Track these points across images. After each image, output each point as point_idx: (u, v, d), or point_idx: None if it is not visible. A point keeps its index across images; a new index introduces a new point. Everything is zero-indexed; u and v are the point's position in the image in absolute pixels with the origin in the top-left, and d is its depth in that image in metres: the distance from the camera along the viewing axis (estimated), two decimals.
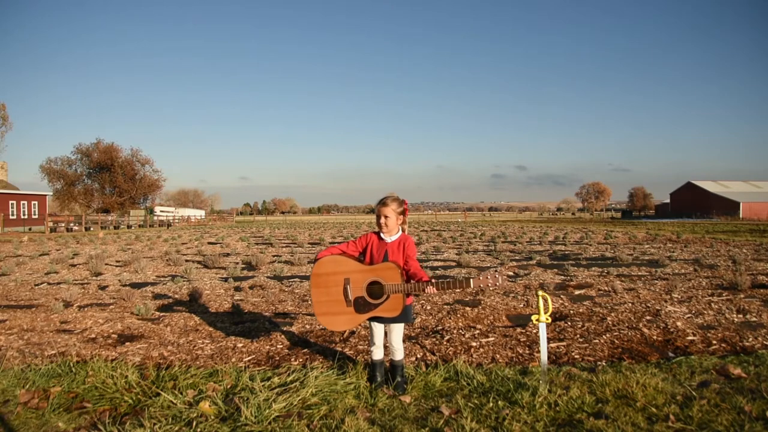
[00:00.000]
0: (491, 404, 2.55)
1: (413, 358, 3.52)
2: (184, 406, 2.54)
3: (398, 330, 2.96)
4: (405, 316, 2.88)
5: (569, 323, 4.34)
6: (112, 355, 3.61)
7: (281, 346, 3.85)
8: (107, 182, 54.53)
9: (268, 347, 3.82)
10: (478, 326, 4.36)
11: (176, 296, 6.20)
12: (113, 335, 4.25)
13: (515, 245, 14.07)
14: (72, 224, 35.69)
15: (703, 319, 4.43)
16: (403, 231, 2.97)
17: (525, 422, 2.35)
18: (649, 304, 5.07)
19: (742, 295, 5.51)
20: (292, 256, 10.98)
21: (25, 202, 40.81)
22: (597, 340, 3.81)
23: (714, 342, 3.74)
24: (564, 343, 3.76)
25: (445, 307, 5.14)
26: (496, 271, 2.83)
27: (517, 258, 10.47)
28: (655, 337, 3.89)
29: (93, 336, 4.23)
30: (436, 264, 9.68)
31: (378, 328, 2.96)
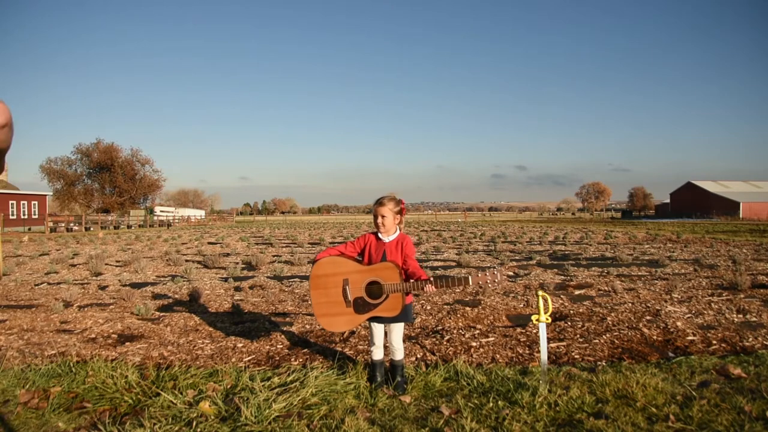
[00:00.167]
0: (491, 404, 2.55)
1: (413, 358, 3.52)
2: (184, 406, 2.54)
3: (398, 330, 2.96)
4: (405, 316, 2.88)
5: (569, 323, 4.34)
6: (112, 355, 3.61)
7: (281, 346, 3.85)
8: (107, 182, 54.54)
9: (268, 347, 3.82)
10: (478, 326, 4.36)
11: (176, 296, 6.20)
12: (113, 335, 4.25)
13: (515, 245, 14.07)
14: (72, 224, 35.70)
15: (703, 319, 4.43)
16: (401, 231, 2.97)
17: (525, 422, 2.35)
18: (649, 304, 5.07)
19: (742, 295, 5.51)
20: (292, 256, 10.98)
21: (25, 202, 40.82)
22: (597, 340, 3.81)
23: (714, 342, 3.74)
24: (564, 343, 3.76)
25: (445, 307, 5.14)
26: (494, 268, 2.83)
27: (517, 258, 10.47)
28: (655, 337, 3.89)
29: (93, 336, 4.23)
30: (436, 264, 9.68)
31: (378, 329, 2.96)
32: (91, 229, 35.31)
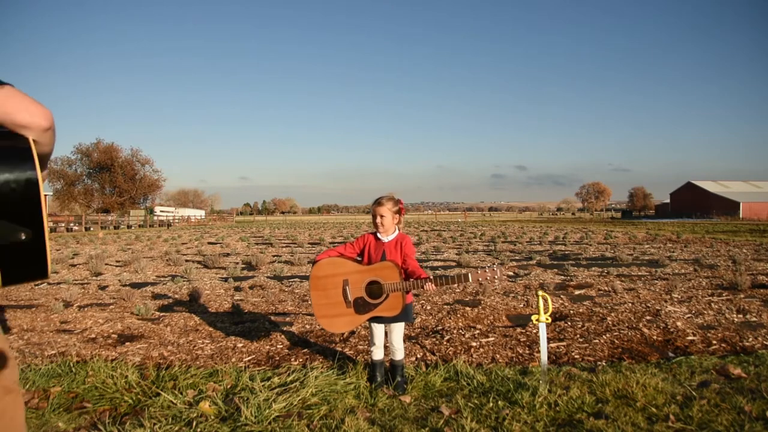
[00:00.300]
0: (491, 404, 2.55)
1: (413, 358, 3.52)
2: (184, 406, 2.54)
3: (399, 329, 2.96)
4: (405, 315, 2.88)
5: (569, 323, 4.34)
6: (112, 355, 3.61)
7: (281, 346, 3.85)
8: (107, 182, 54.56)
9: (268, 347, 3.82)
10: (478, 326, 4.36)
11: (176, 296, 6.20)
12: (113, 335, 4.25)
13: (515, 245, 14.07)
14: (72, 224, 35.69)
15: (703, 319, 4.43)
16: (400, 230, 2.98)
17: (525, 422, 2.35)
18: (649, 304, 5.07)
19: (742, 295, 5.51)
20: (292, 256, 10.98)
21: None
22: (597, 340, 3.81)
23: (714, 342, 3.74)
24: (564, 343, 3.76)
25: (445, 307, 5.14)
26: (494, 265, 2.84)
27: (517, 258, 10.47)
28: (655, 337, 3.89)
29: (93, 336, 4.23)
30: (436, 264, 9.68)
31: (378, 329, 2.96)
32: (91, 229, 35.31)
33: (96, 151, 54.22)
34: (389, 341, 2.98)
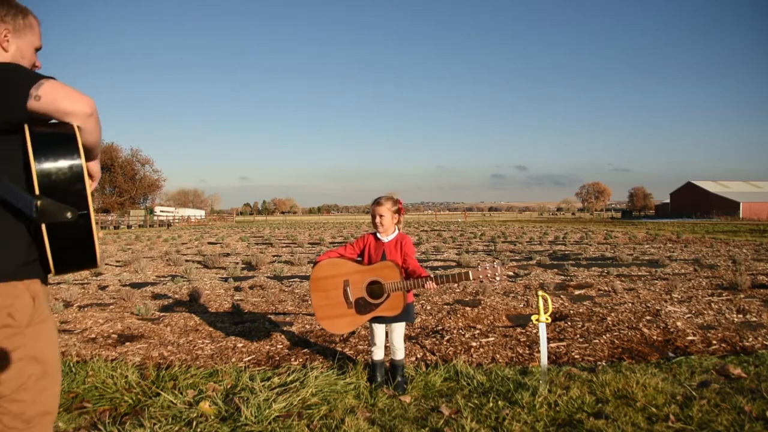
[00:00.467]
0: (491, 404, 2.55)
1: (413, 358, 3.52)
2: (184, 406, 2.55)
3: (399, 329, 2.96)
4: (406, 315, 2.88)
5: (569, 323, 4.34)
6: (112, 355, 3.61)
7: (281, 346, 3.85)
8: (107, 182, 54.56)
9: (268, 347, 3.83)
10: (478, 326, 4.36)
11: (176, 296, 6.20)
12: (113, 335, 4.25)
13: (515, 245, 14.07)
14: None
15: (703, 319, 4.43)
16: (400, 230, 2.98)
17: (525, 422, 2.35)
18: (649, 304, 5.07)
19: (742, 295, 5.51)
20: (292, 256, 10.98)
21: None
22: (597, 340, 3.81)
23: (714, 342, 3.74)
24: (564, 343, 3.76)
25: (445, 307, 5.14)
26: (494, 262, 2.84)
27: (517, 258, 10.47)
28: (655, 337, 3.89)
29: (93, 336, 4.23)
30: (436, 264, 9.68)
31: (379, 329, 2.96)
32: None
33: None
34: (390, 341, 2.98)
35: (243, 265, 9.51)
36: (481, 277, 2.77)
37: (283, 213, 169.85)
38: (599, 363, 3.31)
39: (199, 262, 10.25)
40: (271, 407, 2.47)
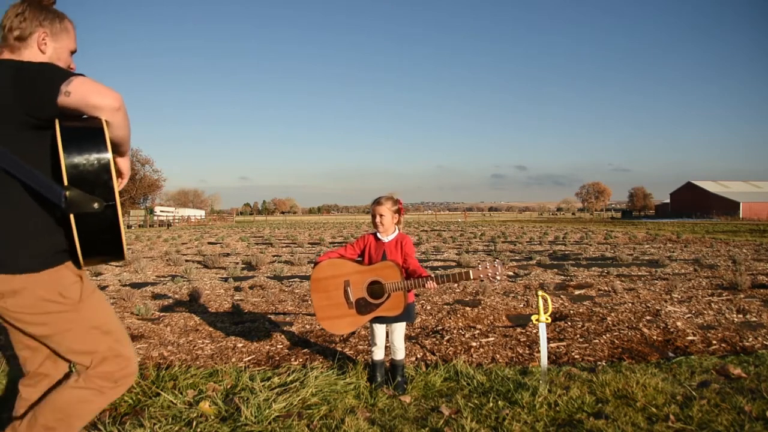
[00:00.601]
0: (491, 404, 2.55)
1: (413, 358, 3.52)
2: (184, 406, 2.54)
3: (400, 329, 2.96)
4: (407, 315, 2.88)
5: (569, 323, 4.34)
6: None
7: (281, 346, 3.85)
8: None
9: (268, 347, 3.83)
10: (478, 326, 4.36)
11: (176, 296, 6.20)
12: None
13: (515, 245, 14.07)
14: None
15: (703, 319, 4.43)
16: (400, 230, 2.98)
17: (525, 422, 2.35)
18: (649, 304, 5.07)
19: (742, 295, 5.51)
20: (292, 256, 10.99)
21: None
22: (597, 340, 3.81)
23: (714, 342, 3.75)
24: (564, 343, 3.76)
25: (445, 307, 5.14)
26: (495, 261, 2.84)
27: (517, 258, 10.48)
28: (655, 337, 3.89)
29: None
30: (436, 264, 9.69)
31: (379, 329, 2.96)
32: None
33: None
34: (390, 341, 2.98)
35: (243, 265, 9.51)
36: (481, 276, 2.77)
37: (283, 213, 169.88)
38: (599, 363, 3.31)
39: (199, 262, 10.25)
40: (271, 407, 2.47)
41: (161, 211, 56.33)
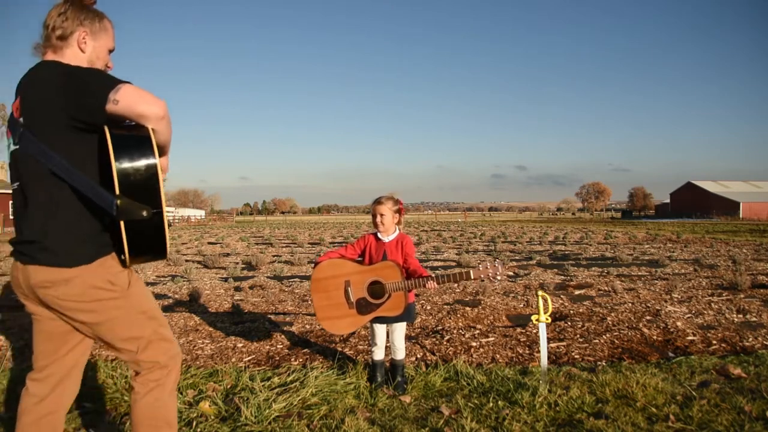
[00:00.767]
0: (491, 404, 2.55)
1: (413, 358, 3.52)
2: (184, 406, 2.54)
3: (401, 329, 2.96)
4: (408, 315, 2.88)
5: (569, 323, 4.34)
6: (111, 355, 3.61)
7: (281, 346, 3.85)
8: None
9: (268, 347, 3.83)
10: (478, 326, 4.36)
11: (176, 296, 6.20)
12: None
13: (515, 245, 14.07)
14: None
15: (703, 319, 4.43)
16: (400, 230, 2.98)
17: (525, 422, 2.35)
18: (649, 304, 5.07)
19: (742, 295, 5.51)
20: (292, 256, 10.99)
21: None
22: (597, 340, 3.81)
23: (714, 342, 3.75)
24: (564, 343, 3.76)
25: (445, 307, 5.14)
26: (495, 260, 2.84)
27: (517, 258, 10.48)
28: (655, 337, 3.89)
29: None
30: (436, 264, 9.69)
31: (380, 329, 2.96)
32: None
33: None
34: (391, 341, 2.98)
35: (243, 265, 9.51)
36: (482, 276, 2.78)
37: (283, 213, 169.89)
38: (599, 363, 3.31)
39: (199, 262, 10.25)
40: (271, 407, 2.47)
41: None
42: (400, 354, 2.96)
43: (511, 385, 2.76)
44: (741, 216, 51.72)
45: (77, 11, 1.58)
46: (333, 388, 2.79)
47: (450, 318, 4.64)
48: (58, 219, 1.46)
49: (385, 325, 2.96)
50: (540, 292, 2.82)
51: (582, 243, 14.61)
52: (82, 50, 1.59)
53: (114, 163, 1.39)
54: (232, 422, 2.38)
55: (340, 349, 3.75)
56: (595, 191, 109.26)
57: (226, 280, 7.52)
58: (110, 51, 1.68)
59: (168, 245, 1.54)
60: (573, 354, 3.53)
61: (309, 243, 16.37)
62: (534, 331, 4.07)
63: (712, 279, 6.84)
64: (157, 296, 6.23)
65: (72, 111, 1.42)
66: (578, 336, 3.96)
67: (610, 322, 4.34)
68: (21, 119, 1.48)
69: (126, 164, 1.40)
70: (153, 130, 1.48)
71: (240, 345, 3.87)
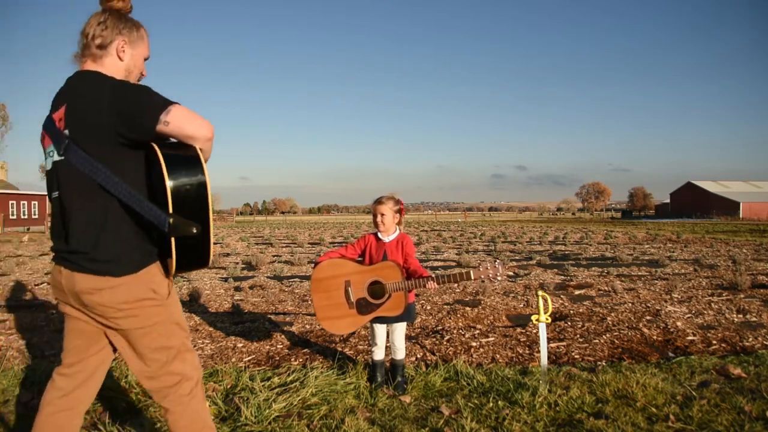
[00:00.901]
0: (491, 404, 2.55)
1: (413, 358, 3.52)
2: None
3: (401, 329, 2.96)
4: (408, 315, 2.88)
5: (569, 323, 4.34)
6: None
7: (281, 346, 3.85)
8: None
9: (268, 347, 3.83)
10: (478, 326, 4.36)
11: None
12: None
13: (515, 245, 14.07)
14: None
15: (703, 319, 4.43)
16: (400, 230, 2.98)
17: (525, 422, 2.35)
18: (649, 304, 5.07)
19: (742, 295, 5.51)
20: (292, 256, 10.99)
21: (25, 202, 40.81)
22: (597, 340, 3.81)
23: (714, 342, 3.75)
24: (564, 343, 3.76)
25: (445, 307, 5.14)
26: (495, 261, 2.85)
27: (517, 258, 10.48)
28: (655, 337, 3.89)
29: None
30: (436, 264, 9.69)
31: (380, 329, 2.96)
32: None
33: None
34: (391, 341, 2.98)
35: (243, 265, 9.51)
36: (482, 276, 2.78)
37: (283, 213, 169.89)
38: (599, 363, 3.31)
39: None
40: (271, 407, 2.47)
41: None
42: (400, 354, 2.96)
43: (511, 385, 2.76)
44: (741, 216, 51.70)
45: (116, 20, 1.61)
46: (333, 388, 2.79)
47: (450, 318, 4.64)
48: (107, 231, 1.50)
49: (385, 325, 2.96)
50: (540, 292, 2.82)
51: (582, 243, 14.61)
52: (121, 59, 1.62)
53: (168, 182, 1.42)
54: (232, 422, 2.38)
55: (340, 349, 3.75)
56: (595, 191, 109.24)
57: (226, 280, 7.52)
58: (146, 59, 1.72)
59: (211, 257, 1.58)
60: (573, 354, 3.54)
61: (309, 243, 16.37)
62: (534, 331, 4.07)
63: (712, 279, 6.84)
64: None
65: (122, 129, 1.45)
66: (578, 336, 3.96)
67: (610, 322, 4.34)
68: (66, 131, 1.49)
69: (178, 183, 1.44)
70: (200, 149, 1.51)
71: (240, 345, 3.88)
